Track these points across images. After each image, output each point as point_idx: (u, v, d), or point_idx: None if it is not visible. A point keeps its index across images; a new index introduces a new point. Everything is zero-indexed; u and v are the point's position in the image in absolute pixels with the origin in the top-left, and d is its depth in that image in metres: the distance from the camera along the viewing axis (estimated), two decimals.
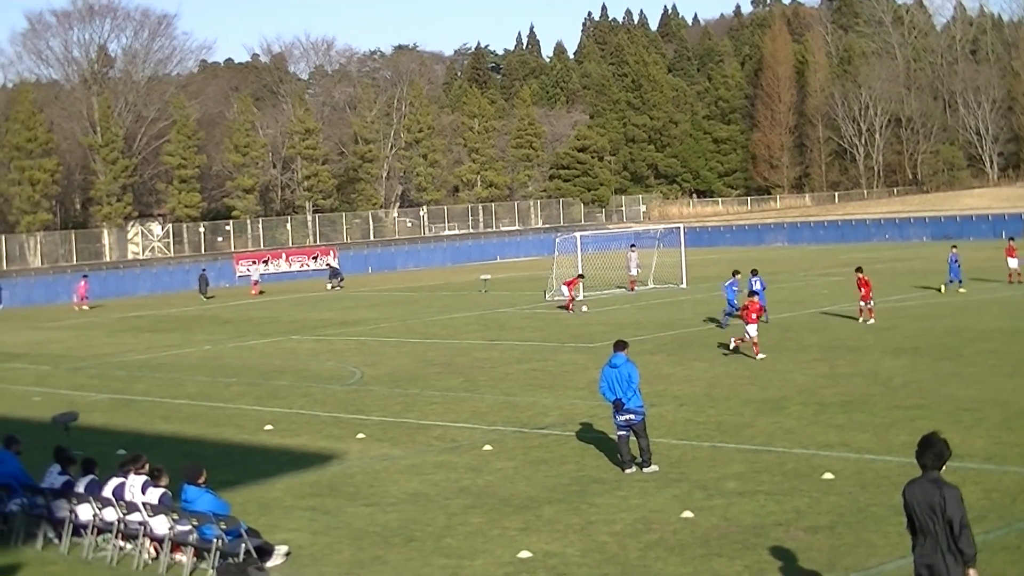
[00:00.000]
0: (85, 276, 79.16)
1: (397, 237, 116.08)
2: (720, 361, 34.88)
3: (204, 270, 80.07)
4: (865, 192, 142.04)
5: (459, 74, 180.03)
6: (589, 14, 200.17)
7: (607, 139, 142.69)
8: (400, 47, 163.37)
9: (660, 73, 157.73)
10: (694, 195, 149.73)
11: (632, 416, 21.43)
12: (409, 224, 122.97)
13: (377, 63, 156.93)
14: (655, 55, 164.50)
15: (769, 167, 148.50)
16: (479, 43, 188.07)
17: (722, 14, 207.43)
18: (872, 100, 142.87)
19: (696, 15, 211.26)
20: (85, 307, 72.73)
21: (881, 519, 17.42)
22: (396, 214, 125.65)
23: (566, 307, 53.23)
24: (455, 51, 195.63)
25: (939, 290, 51.17)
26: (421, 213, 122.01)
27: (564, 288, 54.44)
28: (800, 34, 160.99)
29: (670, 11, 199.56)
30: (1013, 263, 53.54)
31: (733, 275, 44.16)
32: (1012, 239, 56.33)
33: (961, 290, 50.51)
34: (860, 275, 42.36)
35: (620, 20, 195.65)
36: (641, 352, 33.90)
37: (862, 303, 42.22)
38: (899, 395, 27.50)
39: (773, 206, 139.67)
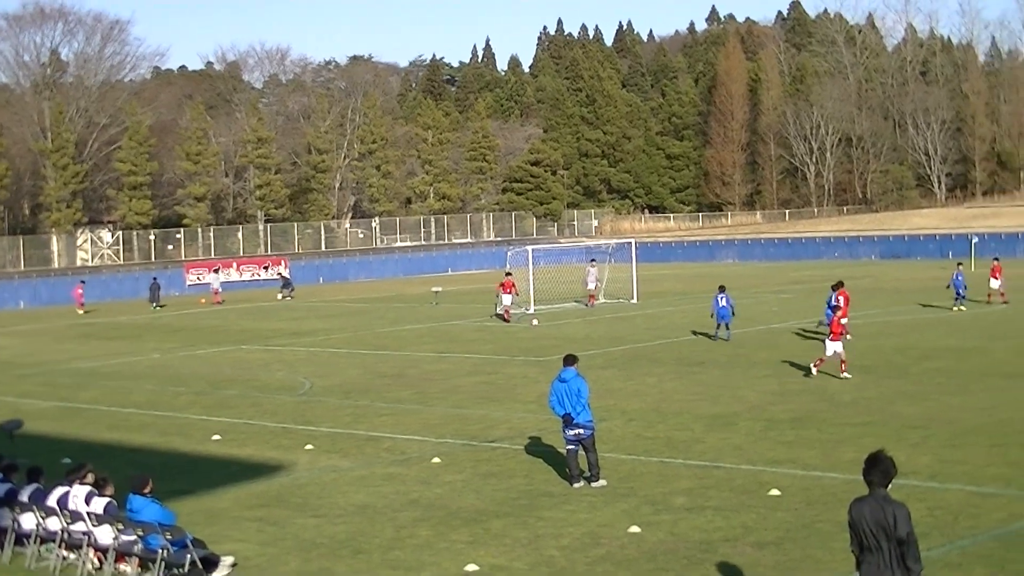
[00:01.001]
0: (83, 282, 78.69)
1: (349, 248, 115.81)
2: (670, 376, 34.98)
3: (155, 279, 79.61)
4: (815, 210, 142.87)
5: (414, 86, 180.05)
6: (544, 28, 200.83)
7: (560, 153, 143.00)
8: (355, 58, 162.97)
9: (614, 88, 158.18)
10: (646, 211, 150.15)
11: (581, 430, 21.45)
12: (361, 235, 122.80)
13: (332, 73, 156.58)
14: (610, 70, 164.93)
15: (721, 184, 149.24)
16: (434, 55, 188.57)
17: (677, 31, 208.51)
18: (824, 119, 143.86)
19: (651, 31, 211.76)
20: (80, 311, 72.85)
21: (827, 535, 17.50)
22: (348, 225, 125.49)
23: (504, 317, 53.36)
24: (410, 63, 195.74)
25: (950, 309, 50.41)
26: (373, 224, 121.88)
27: (505, 297, 54.33)
28: (754, 52, 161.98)
29: (625, 27, 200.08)
30: (995, 283, 53.10)
31: (720, 289, 43.40)
32: (997, 259, 55.58)
33: (961, 308, 50.24)
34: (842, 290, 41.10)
35: (575, 35, 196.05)
36: (591, 367, 33.96)
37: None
38: (847, 412, 27.66)
39: (724, 223, 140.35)
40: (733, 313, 42.11)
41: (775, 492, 20.26)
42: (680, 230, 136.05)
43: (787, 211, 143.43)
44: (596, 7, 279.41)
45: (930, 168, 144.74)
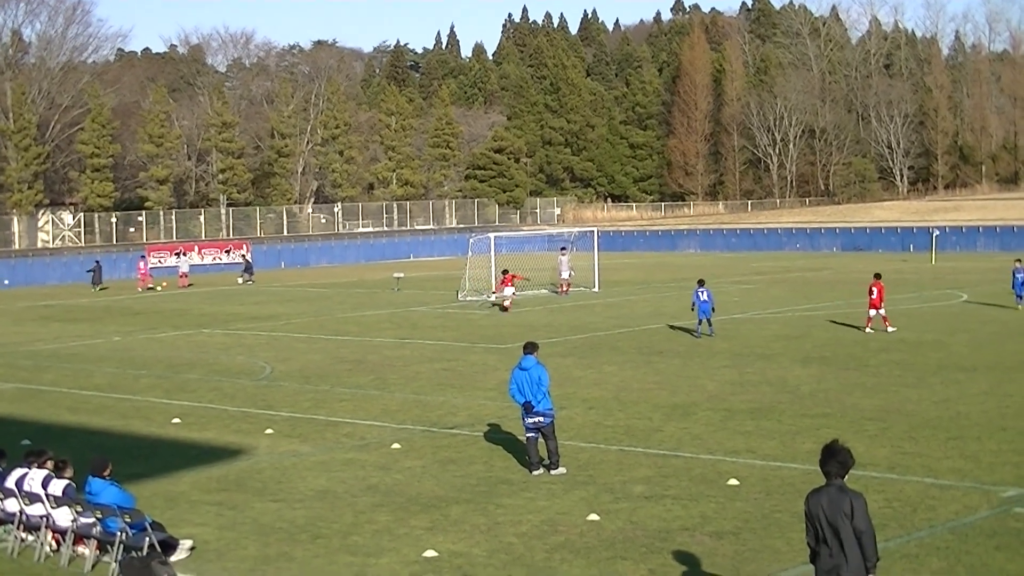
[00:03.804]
0: (143, 257, 79.77)
1: (311, 233, 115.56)
2: (630, 365, 35.07)
3: (97, 261, 79.11)
4: (778, 201, 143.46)
5: (378, 71, 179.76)
6: (509, 16, 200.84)
7: (524, 141, 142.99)
8: (319, 43, 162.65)
9: (578, 77, 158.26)
10: (609, 199, 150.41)
11: (541, 418, 21.49)
12: (323, 220, 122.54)
13: (296, 58, 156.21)
14: (574, 59, 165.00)
15: (684, 174, 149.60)
16: (399, 41, 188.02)
17: (642, 20, 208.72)
18: (787, 111, 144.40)
19: (617, 20, 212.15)
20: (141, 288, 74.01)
21: (785, 525, 17.61)
22: (311, 210, 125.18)
23: (504, 307, 53.22)
24: (374, 48, 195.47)
25: (1018, 308, 47.23)
26: (336, 209, 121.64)
27: (507, 289, 54.02)
28: (718, 43, 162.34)
29: (590, 15, 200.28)
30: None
31: (699, 283, 42.93)
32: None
33: (1020, 307, 47.35)
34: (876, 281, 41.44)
35: (540, 23, 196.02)
36: (552, 355, 34.05)
37: (872, 311, 41.35)
38: (806, 403, 27.81)
39: (687, 213, 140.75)
40: (713, 308, 41.63)
41: (734, 482, 20.36)
42: (642, 219, 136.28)
43: (749, 202, 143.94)
44: None
45: (892, 161, 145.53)
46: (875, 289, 41.18)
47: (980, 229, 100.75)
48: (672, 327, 44.61)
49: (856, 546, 11.28)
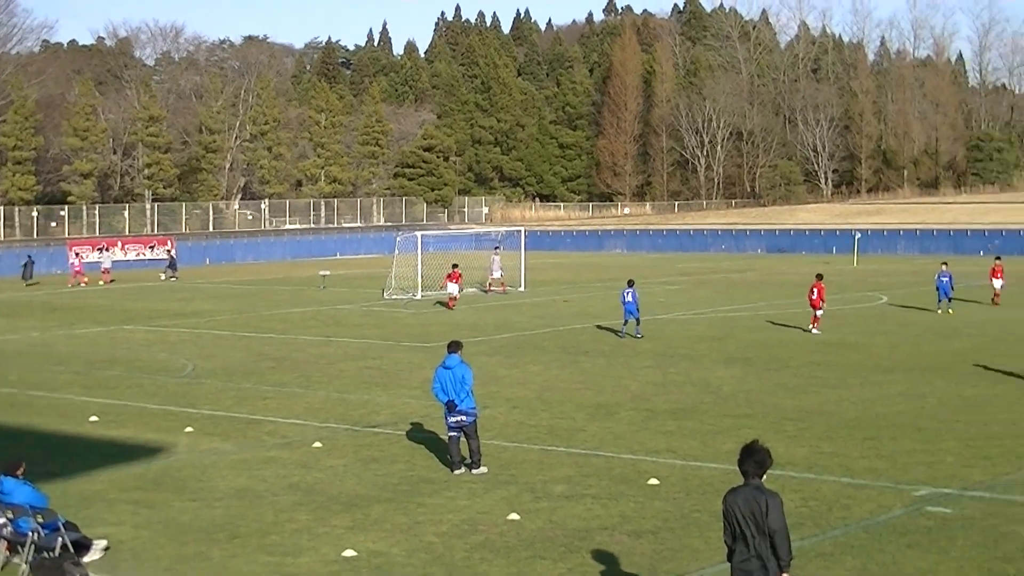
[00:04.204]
0: (30, 256, 78.03)
1: (237, 229, 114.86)
2: (555, 364, 35.11)
3: (29, 256, 78.41)
4: (704, 203, 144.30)
5: (308, 68, 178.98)
6: (442, 14, 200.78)
7: (454, 139, 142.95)
8: (250, 38, 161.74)
9: (510, 76, 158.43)
10: (537, 199, 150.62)
11: (464, 417, 21.46)
12: (250, 217, 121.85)
13: (226, 53, 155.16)
14: (506, 58, 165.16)
15: (612, 174, 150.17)
16: (330, 38, 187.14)
17: (574, 20, 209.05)
18: (716, 113, 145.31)
19: (549, 20, 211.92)
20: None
21: (704, 525, 17.68)
22: (237, 206, 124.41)
23: (447, 304, 53.15)
24: (306, 44, 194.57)
25: (937, 312, 47.99)
26: (263, 206, 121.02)
27: (451, 286, 53.87)
28: (649, 44, 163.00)
29: (523, 15, 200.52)
30: (998, 284, 51.42)
31: (628, 284, 42.87)
32: (999, 258, 53.82)
33: (950, 311, 47.80)
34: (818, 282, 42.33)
35: (473, 21, 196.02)
36: (476, 353, 34.03)
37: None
38: (728, 404, 27.96)
39: (614, 213, 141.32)
40: (638, 308, 41.64)
41: (654, 481, 20.43)
42: (570, 219, 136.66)
43: (676, 203, 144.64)
44: None
45: (817, 164, 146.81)
46: (815, 290, 41.72)
47: (901, 232, 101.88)
48: (600, 327, 44.70)
49: (770, 546, 11.35)
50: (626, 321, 41.55)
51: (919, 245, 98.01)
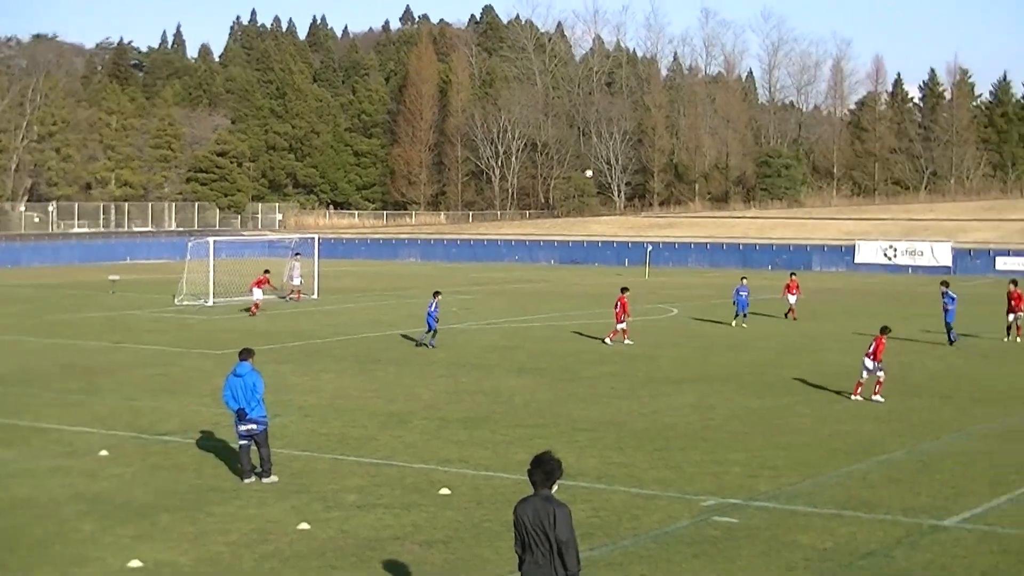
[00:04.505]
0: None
1: (24, 232, 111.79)
2: (347, 373, 34.98)
3: None
4: (499, 213, 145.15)
5: (99, 68, 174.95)
6: (238, 18, 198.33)
7: (248, 145, 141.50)
8: (38, 36, 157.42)
9: (305, 82, 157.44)
10: (331, 206, 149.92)
11: (254, 426, 21.28)
12: (37, 219, 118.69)
13: (12, 50, 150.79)
14: (301, 64, 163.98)
15: (407, 183, 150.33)
16: (122, 38, 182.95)
17: (371, 28, 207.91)
18: (511, 124, 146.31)
19: (346, 27, 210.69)
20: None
21: (495, 535, 17.80)
22: (23, 208, 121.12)
23: (251, 310, 52.59)
24: (97, 45, 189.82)
25: (732, 325, 48.90)
26: (50, 208, 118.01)
27: (256, 290, 53.32)
28: (446, 54, 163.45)
29: (319, 21, 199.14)
30: (792, 299, 52.29)
31: (434, 295, 42.71)
32: (794, 273, 55.24)
33: (744, 325, 48.79)
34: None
35: (269, 26, 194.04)
36: (268, 361, 33.72)
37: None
38: (520, 414, 28.17)
39: (409, 222, 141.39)
40: (436, 319, 41.64)
41: (445, 491, 20.49)
42: (364, 227, 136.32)
43: (471, 213, 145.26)
44: (291, 0, 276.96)
45: (611, 177, 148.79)
46: (619, 303, 42.41)
47: (692, 246, 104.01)
48: (405, 336, 44.66)
49: (558, 556, 11.47)
50: (429, 330, 41.56)
51: (709, 258, 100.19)
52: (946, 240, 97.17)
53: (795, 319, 51.33)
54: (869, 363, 30.50)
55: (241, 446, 21.54)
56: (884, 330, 31.33)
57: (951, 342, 42.45)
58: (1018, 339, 43.67)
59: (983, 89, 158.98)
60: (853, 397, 30.34)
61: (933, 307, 46.90)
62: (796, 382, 33.32)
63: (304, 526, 18.35)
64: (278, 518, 18.93)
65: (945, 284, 44.88)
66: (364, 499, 20.13)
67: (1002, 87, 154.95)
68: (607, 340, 42.42)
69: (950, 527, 18.48)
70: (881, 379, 30.50)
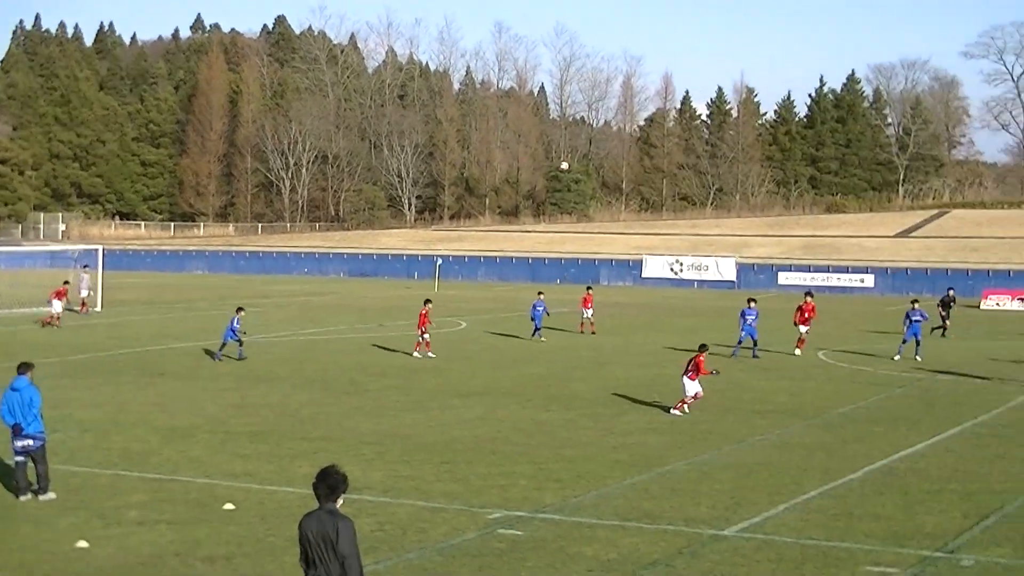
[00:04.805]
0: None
1: None
2: (130, 386, 34.31)
3: None
4: (288, 225, 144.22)
5: None
6: (21, 23, 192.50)
7: (30, 153, 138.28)
8: None
9: (91, 90, 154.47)
10: (117, 217, 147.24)
11: (31, 442, 20.71)
12: None
13: None
14: (87, 71, 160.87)
15: (195, 194, 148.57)
16: None
17: (160, 36, 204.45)
18: (302, 135, 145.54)
19: (134, 35, 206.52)
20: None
21: (279, 550, 17.60)
22: None
23: (50, 322, 51.30)
24: None
25: (532, 339, 48.92)
26: None
27: (56, 302, 52.15)
28: (237, 64, 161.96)
29: (106, 28, 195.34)
30: (588, 313, 52.72)
31: (237, 311, 42.15)
32: (590, 288, 55.63)
33: (542, 339, 49.05)
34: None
35: (54, 32, 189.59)
36: (48, 375, 32.85)
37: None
38: (305, 427, 27.96)
39: (197, 233, 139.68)
40: (233, 330, 41.15)
41: (229, 506, 20.21)
42: (151, 238, 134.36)
43: (260, 224, 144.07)
44: (77, 5, 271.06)
45: (402, 190, 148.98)
46: (421, 315, 42.81)
47: (482, 259, 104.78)
48: (207, 352, 43.98)
49: (341, 570, 11.43)
50: (224, 343, 41.11)
51: (498, 272, 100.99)
52: (731, 255, 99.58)
53: (594, 332, 51.92)
54: (689, 385, 30.61)
55: (17, 462, 20.92)
56: (702, 348, 31.67)
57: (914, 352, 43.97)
58: (797, 351, 44.91)
59: (768, 107, 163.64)
60: (673, 412, 30.63)
61: (717, 320, 48.10)
62: (582, 396, 33.71)
63: (82, 544, 17.89)
64: (55, 537, 18.42)
65: (914, 302, 46.02)
66: (146, 515, 19.73)
67: (786, 105, 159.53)
68: (415, 353, 42.51)
69: (729, 536, 18.87)
70: (698, 396, 30.79)
